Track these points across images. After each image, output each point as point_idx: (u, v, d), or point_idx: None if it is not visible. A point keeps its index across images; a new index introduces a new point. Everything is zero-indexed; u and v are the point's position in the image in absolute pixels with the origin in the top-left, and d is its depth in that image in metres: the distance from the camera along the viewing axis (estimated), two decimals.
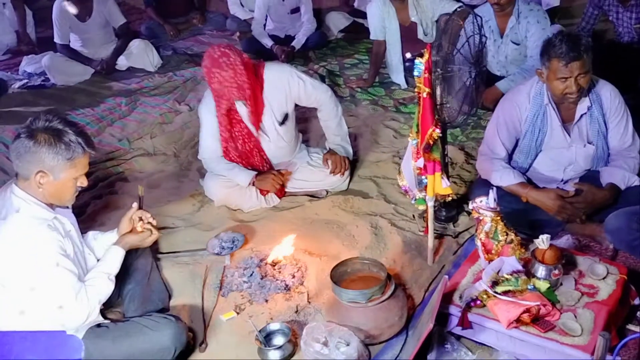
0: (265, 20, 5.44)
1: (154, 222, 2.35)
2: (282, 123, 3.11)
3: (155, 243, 2.82)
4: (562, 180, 2.81)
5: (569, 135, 2.71)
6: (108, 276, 2.16)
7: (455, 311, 2.15)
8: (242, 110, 3.02)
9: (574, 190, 2.66)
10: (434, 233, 2.64)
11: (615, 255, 2.57)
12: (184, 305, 2.51)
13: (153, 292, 2.44)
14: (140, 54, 5.25)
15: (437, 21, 4.27)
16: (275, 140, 3.15)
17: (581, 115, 2.67)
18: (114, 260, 2.21)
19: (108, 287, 2.15)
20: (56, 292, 2.00)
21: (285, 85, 3.04)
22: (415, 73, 2.32)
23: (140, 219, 2.32)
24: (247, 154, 3.14)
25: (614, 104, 2.66)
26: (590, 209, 2.65)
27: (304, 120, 3.94)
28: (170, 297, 2.56)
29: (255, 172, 3.12)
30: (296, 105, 3.18)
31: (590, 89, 2.64)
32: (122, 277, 2.34)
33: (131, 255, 2.36)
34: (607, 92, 2.66)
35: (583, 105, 2.64)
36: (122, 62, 5.30)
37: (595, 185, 2.68)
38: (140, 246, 2.35)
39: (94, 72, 5.19)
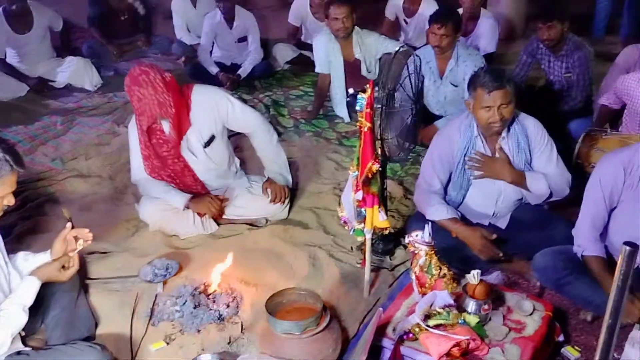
0: (212, 47, 5.45)
1: (90, 238, 2.24)
2: (207, 145, 3.08)
3: (84, 268, 2.72)
4: (493, 214, 2.92)
5: None
6: (22, 307, 2.01)
7: (388, 344, 2.15)
8: (168, 129, 2.98)
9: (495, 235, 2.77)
10: (371, 266, 2.67)
11: (541, 292, 2.67)
12: (111, 334, 2.41)
13: (79, 319, 2.34)
14: (79, 72, 5.14)
15: (380, 59, 4.39)
16: (204, 162, 3.12)
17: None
18: (29, 291, 2.05)
19: (21, 319, 2.00)
20: None
21: (214, 107, 3.05)
22: (357, 107, 2.37)
23: (76, 238, 2.22)
24: (177, 173, 3.10)
25: (538, 135, 2.81)
26: (490, 175, 2.77)
27: (245, 148, 3.93)
28: (97, 325, 2.45)
29: (191, 195, 3.08)
30: (231, 132, 3.20)
31: (515, 120, 2.79)
32: (47, 302, 2.23)
33: None
34: (530, 124, 2.82)
35: (504, 135, 2.78)
36: (60, 79, 5.16)
37: (524, 224, 2.81)
38: (57, 280, 2.14)
39: (30, 89, 5.03)
